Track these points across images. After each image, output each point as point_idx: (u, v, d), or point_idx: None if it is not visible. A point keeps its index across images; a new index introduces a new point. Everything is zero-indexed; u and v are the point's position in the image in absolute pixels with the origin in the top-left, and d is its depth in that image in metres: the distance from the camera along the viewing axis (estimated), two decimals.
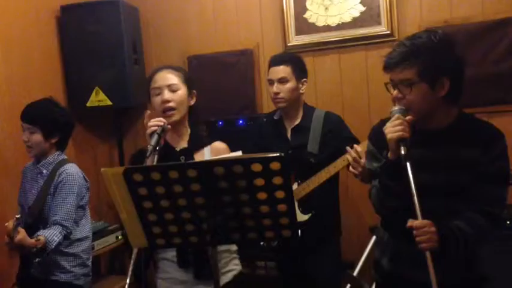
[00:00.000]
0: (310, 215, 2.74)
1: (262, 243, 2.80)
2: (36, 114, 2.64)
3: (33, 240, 2.35)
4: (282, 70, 2.78)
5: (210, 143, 2.28)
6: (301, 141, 2.79)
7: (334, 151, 2.69)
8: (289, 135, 2.85)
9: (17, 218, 2.32)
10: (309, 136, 2.78)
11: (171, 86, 2.20)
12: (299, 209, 2.73)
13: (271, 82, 2.81)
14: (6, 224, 2.30)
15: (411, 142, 1.82)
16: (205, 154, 2.24)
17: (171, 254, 2.18)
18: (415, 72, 1.78)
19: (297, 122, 2.84)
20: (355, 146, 2.44)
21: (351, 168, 2.46)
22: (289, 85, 2.77)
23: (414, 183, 1.71)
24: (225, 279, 2.19)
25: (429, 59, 1.77)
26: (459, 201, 1.83)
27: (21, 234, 2.29)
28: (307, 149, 2.76)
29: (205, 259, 2.13)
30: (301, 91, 2.84)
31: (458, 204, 1.84)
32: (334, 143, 2.74)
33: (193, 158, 2.21)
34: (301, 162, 2.75)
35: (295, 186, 2.76)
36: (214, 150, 2.25)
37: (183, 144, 2.26)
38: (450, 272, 1.80)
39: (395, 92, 1.85)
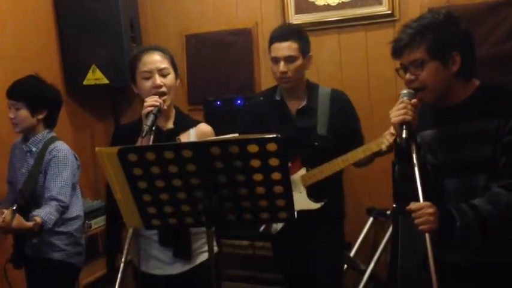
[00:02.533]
0: (322, 203, 2.58)
1: (261, 229, 2.67)
2: (21, 90, 2.62)
3: (30, 224, 2.34)
4: (289, 47, 2.52)
5: (195, 124, 2.28)
6: (309, 123, 2.58)
7: (342, 133, 2.57)
8: (294, 116, 2.63)
9: (12, 210, 2.31)
10: (317, 118, 2.58)
11: (162, 71, 2.16)
12: (309, 197, 2.58)
13: (276, 60, 2.55)
14: (3, 216, 2.27)
15: (429, 123, 1.81)
16: (191, 135, 2.24)
17: (150, 232, 2.19)
18: (424, 51, 1.76)
19: (303, 103, 2.62)
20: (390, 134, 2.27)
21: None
22: (297, 63, 2.53)
23: (419, 164, 1.70)
24: (202, 258, 2.22)
25: (436, 36, 1.76)
26: (486, 178, 1.77)
27: (17, 220, 2.29)
28: (317, 131, 2.56)
29: (185, 239, 2.17)
30: (307, 68, 2.63)
31: (485, 181, 1.76)
32: (343, 123, 2.59)
33: (179, 138, 2.20)
34: (309, 146, 2.56)
35: (303, 171, 2.60)
36: (200, 132, 2.25)
37: (169, 125, 2.24)
38: (484, 253, 1.77)
39: (407, 76, 1.82)
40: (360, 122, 2.69)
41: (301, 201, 2.58)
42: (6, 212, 2.28)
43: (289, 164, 2.53)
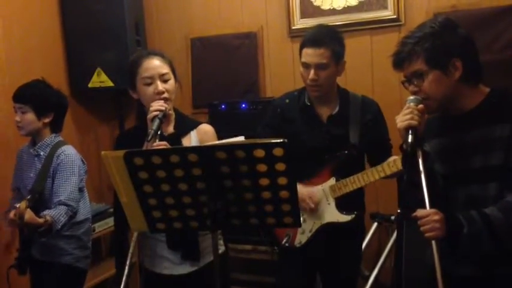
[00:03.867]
0: (353, 215, 2.45)
1: (284, 241, 2.54)
2: (27, 93, 2.64)
3: (41, 220, 2.35)
4: (322, 54, 2.37)
5: (196, 126, 2.28)
6: (341, 131, 2.46)
7: (374, 142, 2.49)
8: (325, 123, 2.51)
9: (28, 199, 2.32)
10: (349, 125, 2.47)
11: (163, 76, 2.16)
12: (338, 208, 2.46)
13: (307, 66, 2.41)
14: (18, 205, 2.29)
15: (439, 132, 1.81)
16: (192, 137, 2.24)
17: (159, 234, 2.20)
18: (423, 61, 1.76)
19: (336, 109, 2.50)
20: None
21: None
22: (329, 71, 2.40)
23: (425, 170, 1.70)
24: (211, 257, 2.21)
25: (434, 45, 1.75)
26: (498, 186, 1.74)
27: (29, 214, 2.30)
28: (350, 140, 2.45)
29: (193, 241, 2.17)
30: (339, 75, 2.50)
31: (497, 189, 1.74)
32: (375, 133, 2.50)
33: (181, 142, 2.20)
34: (341, 155, 2.45)
35: (332, 181, 2.47)
36: (201, 133, 2.26)
37: (170, 129, 2.24)
38: (493, 264, 1.75)
39: (410, 88, 1.82)
40: (388, 131, 2.58)
41: (330, 213, 2.48)
42: (21, 203, 2.30)
43: (318, 173, 2.50)
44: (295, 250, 2.55)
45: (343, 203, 2.46)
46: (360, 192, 2.52)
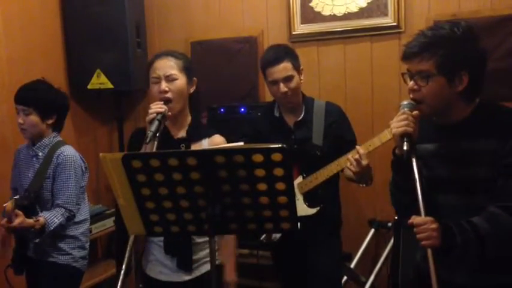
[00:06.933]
0: (318, 208, 2.66)
1: (262, 238, 2.76)
2: (31, 96, 2.60)
3: (31, 221, 2.35)
4: (285, 68, 2.60)
5: (209, 135, 2.26)
6: (306, 134, 2.69)
7: (338, 142, 2.66)
8: (292, 129, 2.74)
9: (15, 199, 2.31)
10: (312, 129, 2.69)
11: (168, 77, 2.17)
12: (305, 203, 2.66)
13: (274, 83, 2.62)
14: (5, 205, 2.28)
15: (427, 137, 1.80)
16: (203, 146, 2.22)
17: (158, 238, 2.21)
18: (433, 64, 1.72)
19: (300, 116, 2.73)
20: (357, 147, 2.37)
21: (348, 165, 2.40)
22: (295, 81, 2.63)
23: (420, 178, 1.68)
24: (206, 267, 2.22)
25: (449, 52, 1.71)
26: (481, 197, 1.74)
27: (20, 217, 2.29)
28: (312, 141, 2.67)
29: (188, 249, 2.17)
30: (301, 81, 2.72)
31: (480, 200, 1.74)
32: (338, 134, 2.70)
33: (183, 146, 2.19)
34: (306, 156, 2.66)
35: (300, 179, 2.68)
36: (213, 144, 2.23)
37: (182, 133, 2.23)
38: (479, 273, 1.75)
39: (411, 83, 1.79)
40: (354, 133, 2.78)
41: (298, 207, 2.59)
42: (8, 203, 2.28)
43: None
44: (275, 245, 2.78)
45: (313, 198, 2.67)
46: (332, 187, 2.74)
